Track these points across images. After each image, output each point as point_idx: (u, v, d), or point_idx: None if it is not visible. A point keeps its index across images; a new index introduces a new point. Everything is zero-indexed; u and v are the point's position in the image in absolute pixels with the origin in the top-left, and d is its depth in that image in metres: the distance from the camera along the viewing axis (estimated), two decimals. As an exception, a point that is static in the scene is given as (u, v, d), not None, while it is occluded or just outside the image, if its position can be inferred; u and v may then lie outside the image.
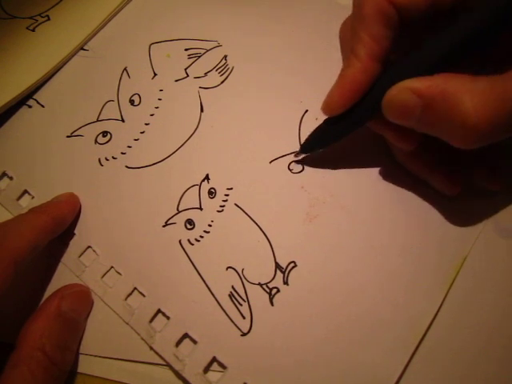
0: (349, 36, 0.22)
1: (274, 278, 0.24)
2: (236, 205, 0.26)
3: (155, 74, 0.31)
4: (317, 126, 0.25)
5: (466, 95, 0.18)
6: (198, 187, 0.27)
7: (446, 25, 0.20)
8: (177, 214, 0.26)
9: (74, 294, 0.24)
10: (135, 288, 0.25)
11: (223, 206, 0.26)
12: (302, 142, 0.26)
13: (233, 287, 0.24)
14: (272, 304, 0.24)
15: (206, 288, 0.24)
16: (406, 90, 0.20)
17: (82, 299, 0.25)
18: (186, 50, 0.31)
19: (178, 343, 0.23)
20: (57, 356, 0.22)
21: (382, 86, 0.21)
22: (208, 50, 0.31)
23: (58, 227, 0.25)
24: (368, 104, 0.22)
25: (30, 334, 0.22)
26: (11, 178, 0.29)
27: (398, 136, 0.23)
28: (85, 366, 0.24)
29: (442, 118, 0.19)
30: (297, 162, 0.26)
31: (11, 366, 0.21)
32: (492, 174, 0.24)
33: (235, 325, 0.23)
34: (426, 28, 0.21)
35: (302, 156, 0.26)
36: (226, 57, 0.31)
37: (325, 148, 0.25)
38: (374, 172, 0.26)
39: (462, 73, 0.19)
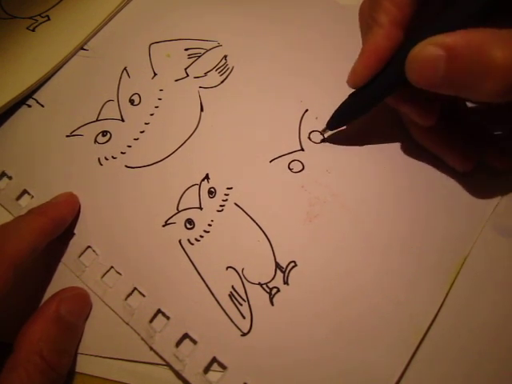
0: (369, 8, 0.22)
1: (274, 277, 0.24)
2: (236, 204, 0.26)
3: (155, 74, 0.31)
4: (317, 125, 0.25)
5: (493, 42, 0.18)
6: (197, 187, 0.27)
7: None
8: (177, 213, 0.26)
9: (73, 297, 0.24)
10: (135, 288, 0.25)
11: (223, 206, 0.26)
12: (328, 119, 0.26)
13: (233, 287, 0.24)
14: (272, 304, 0.24)
15: (206, 288, 0.24)
16: (430, 45, 0.19)
17: (80, 302, 0.24)
18: (186, 49, 0.31)
19: (178, 343, 0.23)
20: (54, 360, 0.21)
21: (404, 54, 0.20)
22: (208, 50, 0.31)
23: (58, 228, 0.25)
24: (392, 73, 0.22)
25: (28, 337, 0.21)
26: (10, 178, 0.29)
27: (417, 111, 0.22)
28: (85, 366, 0.24)
29: (469, 67, 0.18)
30: (322, 134, 0.27)
31: (9, 370, 0.20)
32: (503, 153, 0.24)
33: (235, 325, 0.23)
34: None
35: (329, 134, 0.26)
36: (225, 57, 0.31)
37: (350, 123, 0.25)
38: (375, 172, 0.26)
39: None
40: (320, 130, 0.27)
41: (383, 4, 0.21)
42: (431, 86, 0.20)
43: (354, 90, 0.24)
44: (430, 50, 0.19)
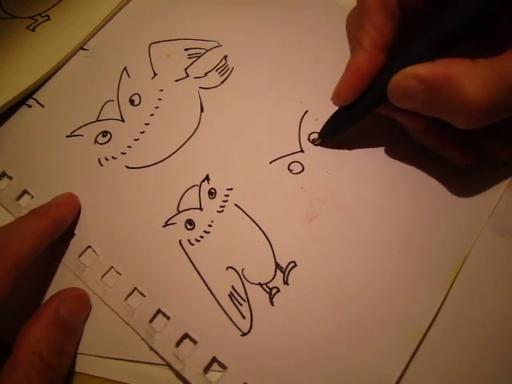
0: (354, 27, 0.23)
1: (274, 277, 0.24)
2: (236, 205, 0.26)
3: (155, 74, 0.31)
4: (318, 125, 0.25)
5: (466, 77, 0.19)
6: (198, 187, 0.27)
7: (444, 12, 0.20)
8: (177, 214, 0.26)
9: (73, 298, 0.24)
10: (135, 288, 0.25)
11: (223, 207, 0.26)
12: (320, 129, 0.27)
13: (233, 287, 0.24)
14: (272, 304, 0.24)
15: (206, 288, 0.24)
16: (408, 76, 0.21)
17: (80, 303, 0.24)
18: (186, 49, 0.31)
19: (178, 343, 0.23)
20: (54, 360, 0.22)
21: (387, 74, 0.22)
22: (208, 50, 0.31)
23: (59, 229, 0.25)
24: (376, 91, 0.23)
25: (28, 338, 0.21)
26: (11, 178, 0.29)
27: (407, 118, 0.23)
28: (85, 366, 0.24)
29: (444, 101, 0.20)
30: (316, 144, 0.27)
31: (8, 370, 0.21)
32: (504, 143, 0.24)
33: (235, 325, 0.23)
34: (426, 16, 0.22)
35: (319, 142, 0.27)
36: (226, 57, 0.31)
37: (341, 134, 0.26)
38: (374, 173, 0.26)
39: (462, 57, 0.20)
40: (319, 131, 0.27)
41: (366, 27, 0.22)
42: (413, 109, 0.22)
43: None
44: (409, 81, 0.21)
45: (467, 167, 0.24)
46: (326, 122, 0.26)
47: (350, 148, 0.27)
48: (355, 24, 0.23)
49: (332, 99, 0.24)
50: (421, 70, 0.20)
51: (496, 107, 0.19)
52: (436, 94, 0.20)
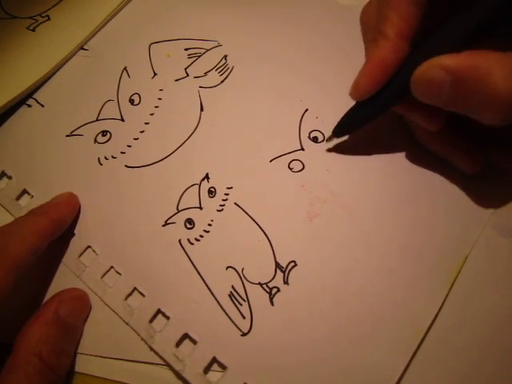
0: (373, 19, 0.22)
1: (274, 277, 0.24)
2: (236, 204, 0.26)
3: (155, 74, 0.31)
4: (318, 123, 0.25)
5: (496, 68, 0.18)
6: (197, 186, 0.27)
7: (469, 2, 0.19)
8: (176, 213, 0.26)
9: (73, 298, 0.24)
10: (135, 288, 0.25)
11: (223, 206, 0.26)
12: (334, 126, 0.26)
13: (233, 287, 0.24)
14: (272, 304, 0.24)
15: (206, 288, 0.24)
16: (435, 67, 0.19)
17: (80, 304, 0.24)
18: (186, 49, 0.31)
19: (178, 343, 0.23)
20: (53, 361, 0.21)
21: (410, 67, 0.21)
22: (208, 50, 0.31)
23: (59, 229, 0.25)
24: (397, 85, 0.22)
25: (27, 338, 0.21)
26: (10, 178, 0.29)
27: (424, 117, 0.22)
28: (85, 366, 0.24)
29: (472, 93, 0.19)
30: (327, 141, 0.26)
31: (8, 371, 0.20)
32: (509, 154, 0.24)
33: (235, 325, 0.23)
34: (452, 6, 0.21)
35: (334, 141, 0.26)
36: (225, 56, 0.31)
37: (356, 131, 0.25)
38: (375, 172, 0.26)
39: (490, 49, 0.19)
40: (319, 129, 0.27)
41: (389, 16, 0.21)
42: (436, 104, 0.21)
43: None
44: (435, 72, 0.19)
45: (475, 174, 0.24)
46: (342, 118, 0.25)
47: (350, 146, 0.27)
48: (375, 14, 0.22)
49: (350, 94, 0.23)
50: (448, 60, 0.19)
51: None
52: (463, 86, 0.19)
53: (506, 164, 0.24)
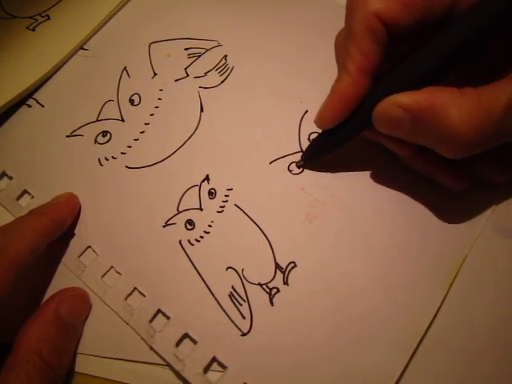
0: (341, 49, 0.23)
1: (273, 278, 0.24)
2: (236, 205, 0.26)
3: (155, 74, 0.31)
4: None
5: (453, 108, 0.19)
6: (198, 188, 0.27)
7: (432, 38, 0.20)
8: (177, 214, 0.26)
9: (73, 297, 0.24)
10: (135, 288, 0.25)
11: (223, 207, 0.26)
12: (303, 151, 0.26)
13: (233, 287, 0.24)
14: (272, 304, 0.24)
15: (206, 288, 0.24)
16: (393, 105, 0.20)
17: (80, 303, 0.24)
18: (186, 49, 0.31)
19: (178, 343, 0.23)
20: (53, 360, 0.22)
21: (372, 100, 0.21)
22: (208, 50, 0.31)
23: (59, 229, 0.25)
24: (361, 116, 0.22)
25: (27, 337, 0.21)
26: (11, 178, 0.29)
27: (393, 144, 0.23)
28: (85, 366, 0.24)
29: (431, 131, 0.20)
30: (298, 167, 0.27)
31: (8, 370, 0.21)
32: (497, 167, 0.24)
33: (235, 325, 0.23)
34: (414, 41, 0.22)
35: (302, 163, 0.26)
36: (226, 56, 0.31)
37: (324, 156, 0.25)
38: (374, 173, 0.26)
39: (448, 85, 0.19)
40: (319, 131, 0.27)
41: (351, 51, 0.21)
42: (399, 136, 0.21)
43: None
44: (394, 110, 0.20)
45: (462, 191, 0.24)
46: (309, 145, 0.26)
47: (349, 149, 0.26)
48: (342, 46, 0.22)
49: (315, 122, 0.24)
50: (405, 98, 0.20)
51: (483, 138, 0.19)
52: (422, 123, 0.20)
53: (492, 176, 0.24)
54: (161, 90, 0.30)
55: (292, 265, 0.24)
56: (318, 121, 0.23)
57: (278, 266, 0.24)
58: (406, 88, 0.20)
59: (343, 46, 0.22)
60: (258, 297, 0.24)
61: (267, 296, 0.24)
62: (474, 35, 0.19)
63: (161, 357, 0.23)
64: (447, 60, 0.20)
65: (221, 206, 0.26)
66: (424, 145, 0.21)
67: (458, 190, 0.24)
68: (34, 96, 0.31)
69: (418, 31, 0.21)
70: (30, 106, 0.31)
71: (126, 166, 0.28)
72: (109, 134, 0.29)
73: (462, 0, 0.20)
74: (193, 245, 0.25)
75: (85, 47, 0.32)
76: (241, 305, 0.24)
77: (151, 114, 0.29)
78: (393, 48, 0.22)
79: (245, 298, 0.24)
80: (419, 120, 0.20)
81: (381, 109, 0.21)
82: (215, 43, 0.31)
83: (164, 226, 0.26)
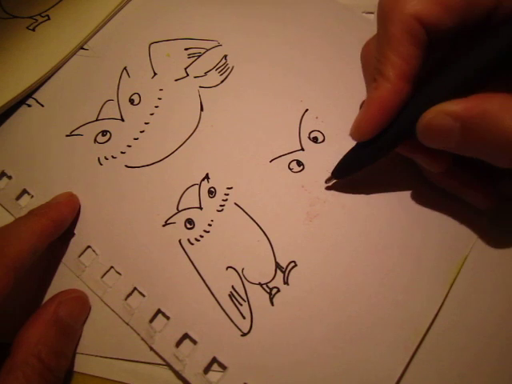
0: (373, 58, 0.21)
1: (274, 277, 0.24)
2: (236, 204, 0.26)
3: (155, 74, 0.31)
4: (318, 123, 0.24)
5: (505, 112, 0.17)
6: (197, 186, 0.27)
7: (474, 43, 0.19)
8: (177, 213, 0.26)
9: (72, 299, 0.24)
10: (135, 288, 0.25)
11: (223, 206, 0.26)
12: (333, 168, 0.25)
13: (233, 287, 0.24)
14: (272, 304, 0.24)
15: (206, 288, 0.24)
16: (442, 114, 0.19)
17: (79, 305, 0.24)
18: (186, 49, 0.31)
19: (178, 343, 0.23)
20: (52, 362, 0.21)
21: (413, 109, 0.20)
22: (208, 50, 0.31)
23: (58, 230, 0.25)
24: (400, 127, 0.21)
25: (26, 339, 0.21)
26: (10, 178, 0.29)
27: (428, 159, 0.22)
28: (85, 366, 0.24)
29: (483, 140, 0.18)
30: (328, 187, 0.26)
31: (6, 372, 0.20)
32: None
33: (235, 325, 0.23)
34: (454, 46, 0.21)
35: (333, 182, 0.26)
36: (226, 56, 0.31)
37: (355, 173, 0.24)
38: (375, 172, 0.26)
39: (498, 91, 0.18)
40: (319, 129, 0.27)
41: (389, 57, 0.20)
42: (445, 149, 0.20)
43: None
44: (443, 119, 0.19)
45: (488, 209, 0.23)
46: (341, 160, 0.24)
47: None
48: (376, 54, 0.21)
49: (351, 135, 0.22)
50: (455, 106, 0.18)
51: None
52: (473, 132, 0.18)
53: None
54: (161, 90, 0.30)
55: (292, 264, 0.24)
56: (355, 132, 0.22)
57: (278, 265, 0.24)
58: (452, 96, 0.19)
59: (376, 54, 0.21)
60: (258, 297, 0.24)
61: (267, 296, 0.24)
62: None
63: (161, 357, 0.23)
64: (495, 65, 0.18)
65: (221, 205, 0.26)
66: (474, 156, 0.20)
67: (485, 208, 0.23)
68: (34, 96, 0.31)
69: (457, 35, 0.20)
70: (29, 106, 0.31)
71: (126, 166, 0.28)
72: (108, 134, 0.29)
73: (507, 1, 0.19)
74: (193, 244, 0.25)
75: (85, 47, 0.32)
76: (241, 305, 0.24)
77: (151, 114, 0.29)
78: (432, 53, 0.21)
79: (245, 297, 0.24)
80: (470, 128, 0.18)
81: (428, 118, 0.19)
82: (215, 43, 0.31)
83: (164, 226, 0.26)
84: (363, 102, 0.22)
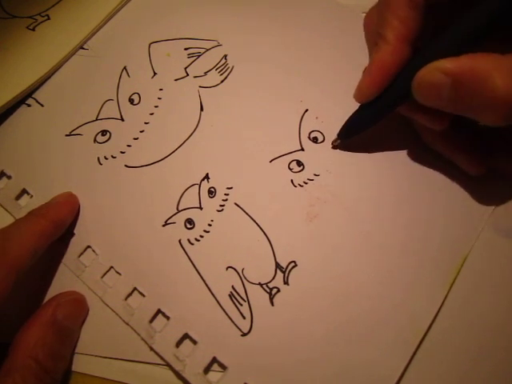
0: (374, 24, 0.23)
1: (274, 277, 0.24)
2: (236, 204, 0.26)
3: (155, 73, 0.31)
4: (318, 124, 0.25)
5: (495, 71, 0.18)
6: (197, 186, 0.27)
7: (469, 5, 0.19)
8: (176, 213, 0.26)
9: (70, 301, 0.24)
10: (135, 288, 0.25)
11: (223, 206, 0.26)
12: (339, 129, 0.26)
13: (233, 287, 0.24)
14: (272, 304, 0.24)
15: (206, 288, 0.24)
16: (435, 70, 0.20)
17: (77, 307, 0.24)
18: (186, 49, 0.31)
19: (178, 343, 0.23)
20: (50, 365, 0.21)
21: (412, 70, 0.21)
22: (208, 50, 0.31)
23: (58, 230, 0.25)
24: (400, 87, 0.22)
25: (24, 342, 0.21)
26: (10, 177, 0.28)
27: (428, 118, 0.23)
28: (85, 366, 0.24)
29: (472, 96, 0.19)
30: (334, 146, 0.27)
31: (4, 374, 0.20)
32: None
33: (235, 325, 0.23)
34: (450, 9, 0.22)
35: (338, 142, 0.26)
36: (225, 56, 0.31)
37: (359, 134, 0.25)
38: (375, 172, 0.26)
39: (489, 51, 0.19)
40: (319, 129, 0.27)
41: (389, 20, 0.21)
42: (437, 107, 0.21)
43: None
44: (436, 75, 0.20)
45: (478, 176, 0.24)
46: (346, 122, 0.25)
47: (351, 146, 0.26)
48: (377, 20, 0.22)
49: (354, 96, 0.24)
50: (447, 63, 0.19)
51: None
52: (463, 88, 0.19)
53: (508, 168, 0.24)
54: (161, 90, 0.30)
55: (292, 264, 0.24)
56: (357, 94, 0.23)
57: (278, 265, 0.24)
58: (447, 56, 0.20)
59: (377, 19, 0.22)
60: (258, 297, 0.24)
61: (267, 296, 0.24)
62: None
63: (161, 357, 0.23)
64: (488, 27, 0.19)
65: (221, 205, 0.26)
66: (464, 114, 0.20)
67: (476, 174, 0.24)
68: (34, 95, 0.31)
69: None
70: (29, 106, 0.31)
71: (126, 165, 0.28)
72: (108, 133, 0.29)
73: None
74: (192, 244, 0.25)
75: (85, 47, 0.32)
76: (241, 305, 0.24)
77: (151, 114, 0.29)
78: (429, 16, 0.21)
79: (245, 297, 0.24)
80: (460, 84, 0.19)
81: (421, 75, 0.20)
82: (215, 43, 0.31)
83: (164, 226, 0.26)
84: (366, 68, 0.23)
